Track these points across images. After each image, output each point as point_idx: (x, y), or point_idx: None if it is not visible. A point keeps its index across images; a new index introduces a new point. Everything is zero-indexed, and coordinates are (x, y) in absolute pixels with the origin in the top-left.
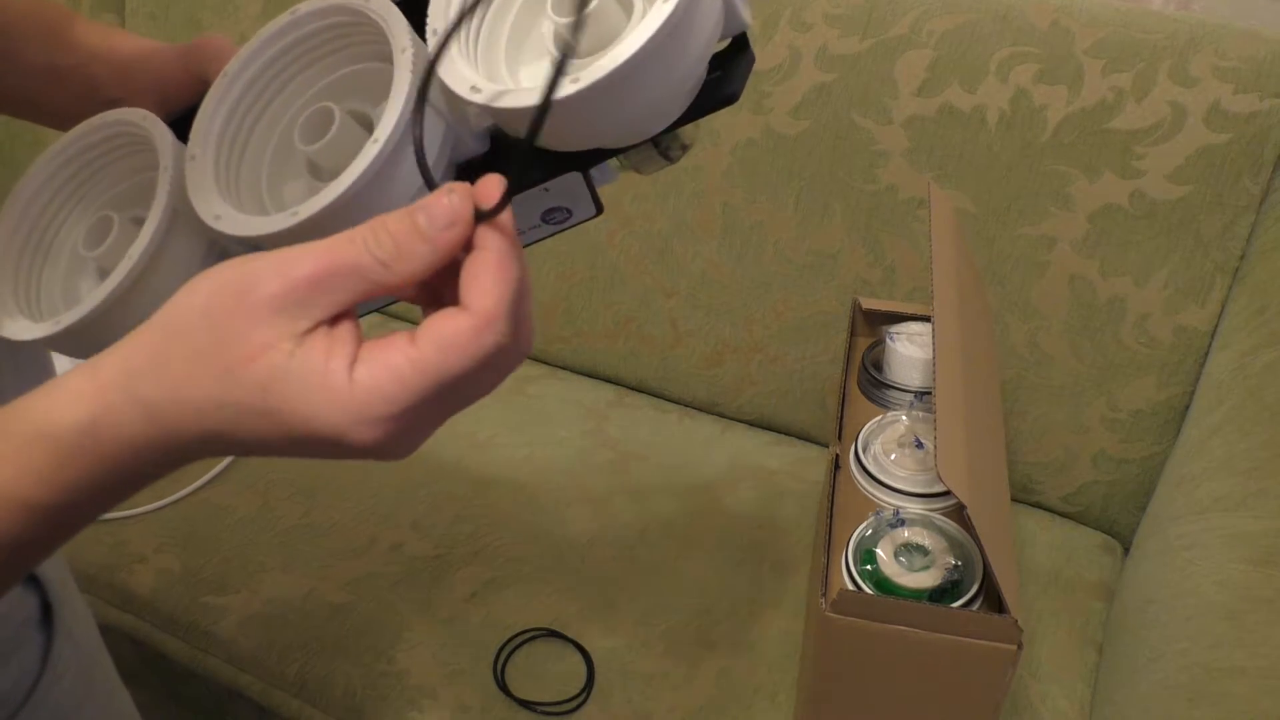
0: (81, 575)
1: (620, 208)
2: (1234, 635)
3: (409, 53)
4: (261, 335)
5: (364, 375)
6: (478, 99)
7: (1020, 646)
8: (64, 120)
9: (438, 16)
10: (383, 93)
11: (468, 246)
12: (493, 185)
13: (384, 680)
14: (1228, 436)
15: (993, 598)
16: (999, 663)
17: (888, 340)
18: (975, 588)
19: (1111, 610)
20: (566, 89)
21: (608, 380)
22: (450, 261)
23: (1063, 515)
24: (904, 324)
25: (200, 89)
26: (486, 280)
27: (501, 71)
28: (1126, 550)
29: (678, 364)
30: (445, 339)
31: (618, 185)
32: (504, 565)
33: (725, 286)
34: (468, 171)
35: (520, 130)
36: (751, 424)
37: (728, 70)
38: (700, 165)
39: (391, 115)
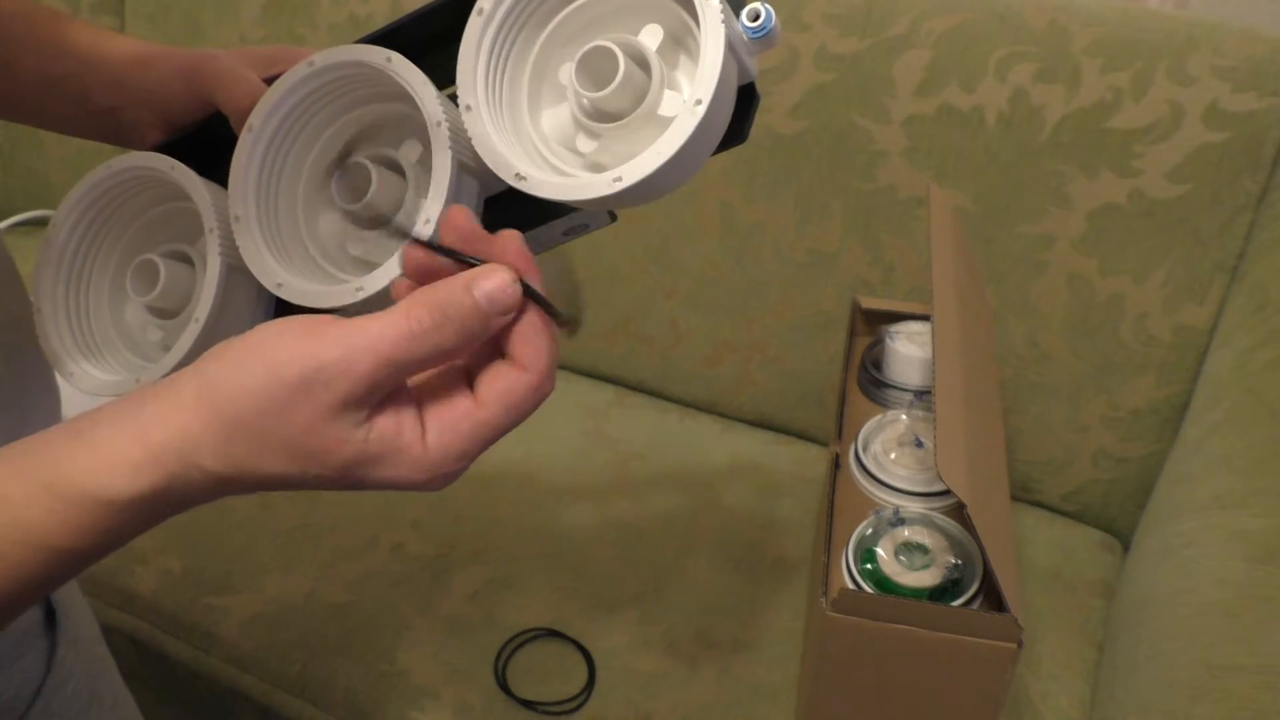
0: (83, 577)
1: None
2: (1234, 633)
3: (444, 126)
4: (335, 432)
5: (437, 444)
6: (523, 186)
7: (1020, 645)
8: (61, 125)
9: (467, 90)
10: (402, 133)
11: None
12: (521, 247)
13: (385, 680)
14: (1227, 434)
15: (993, 596)
16: (999, 661)
17: (887, 339)
18: (975, 586)
19: (1111, 608)
20: (609, 188)
21: (608, 380)
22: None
23: (1062, 513)
24: (903, 323)
25: (203, 110)
26: (539, 341)
27: (524, 118)
28: (1126, 548)
29: (678, 364)
30: (511, 399)
31: None
32: (504, 565)
33: (725, 286)
34: (495, 200)
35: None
36: (751, 424)
37: (738, 114)
38: None
39: (436, 202)
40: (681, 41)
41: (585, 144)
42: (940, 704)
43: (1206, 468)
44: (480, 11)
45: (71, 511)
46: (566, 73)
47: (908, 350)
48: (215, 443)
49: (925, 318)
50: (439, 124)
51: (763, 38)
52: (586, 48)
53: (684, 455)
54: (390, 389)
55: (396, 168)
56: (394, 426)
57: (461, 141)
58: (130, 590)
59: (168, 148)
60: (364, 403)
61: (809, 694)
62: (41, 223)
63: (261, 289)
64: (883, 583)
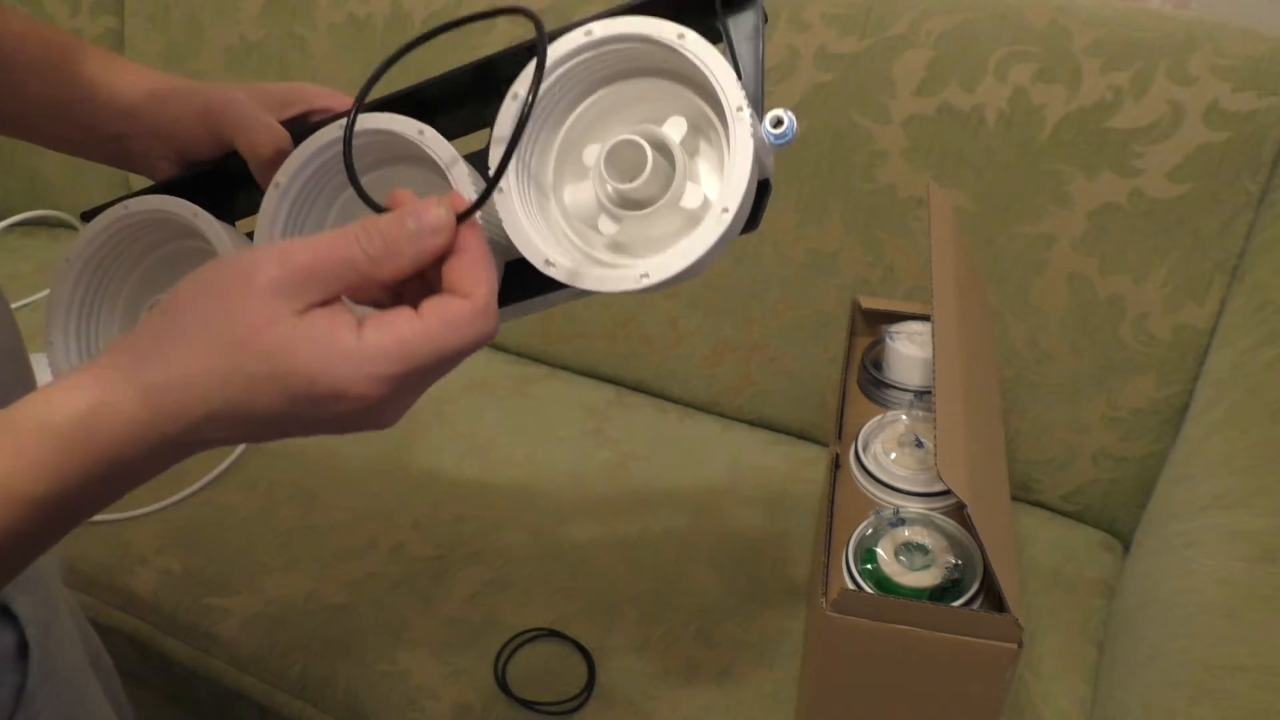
0: (83, 577)
1: None
2: (1234, 633)
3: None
4: (265, 312)
5: (372, 336)
6: (550, 272)
7: (1021, 645)
8: (67, 148)
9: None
10: (423, 192)
11: (451, 248)
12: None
13: (385, 680)
14: (1227, 434)
15: (993, 596)
16: (999, 661)
17: (887, 339)
18: (975, 586)
19: (1112, 608)
20: (635, 283)
21: (608, 380)
22: (425, 266)
23: (1063, 513)
24: (903, 323)
25: (220, 149)
26: (479, 274)
27: (549, 196)
28: (1127, 548)
29: (678, 364)
30: (450, 317)
31: None
32: (504, 565)
33: (725, 286)
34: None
35: None
36: (751, 424)
37: (754, 205)
38: None
39: None
40: (701, 130)
41: (607, 225)
42: (940, 704)
43: (1207, 467)
44: (515, 97)
45: (19, 440)
46: (591, 154)
47: (908, 350)
48: (157, 348)
49: (925, 318)
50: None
51: (784, 143)
52: (615, 141)
53: (684, 455)
54: (323, 294)
55: None
56: (326, 318)
57: (491, 219)
58: (130, 590)
59: (179, 182)
60: (295, 293)
61: (809, 694)
62: (41, 222)
63: None
64: (883, 583)
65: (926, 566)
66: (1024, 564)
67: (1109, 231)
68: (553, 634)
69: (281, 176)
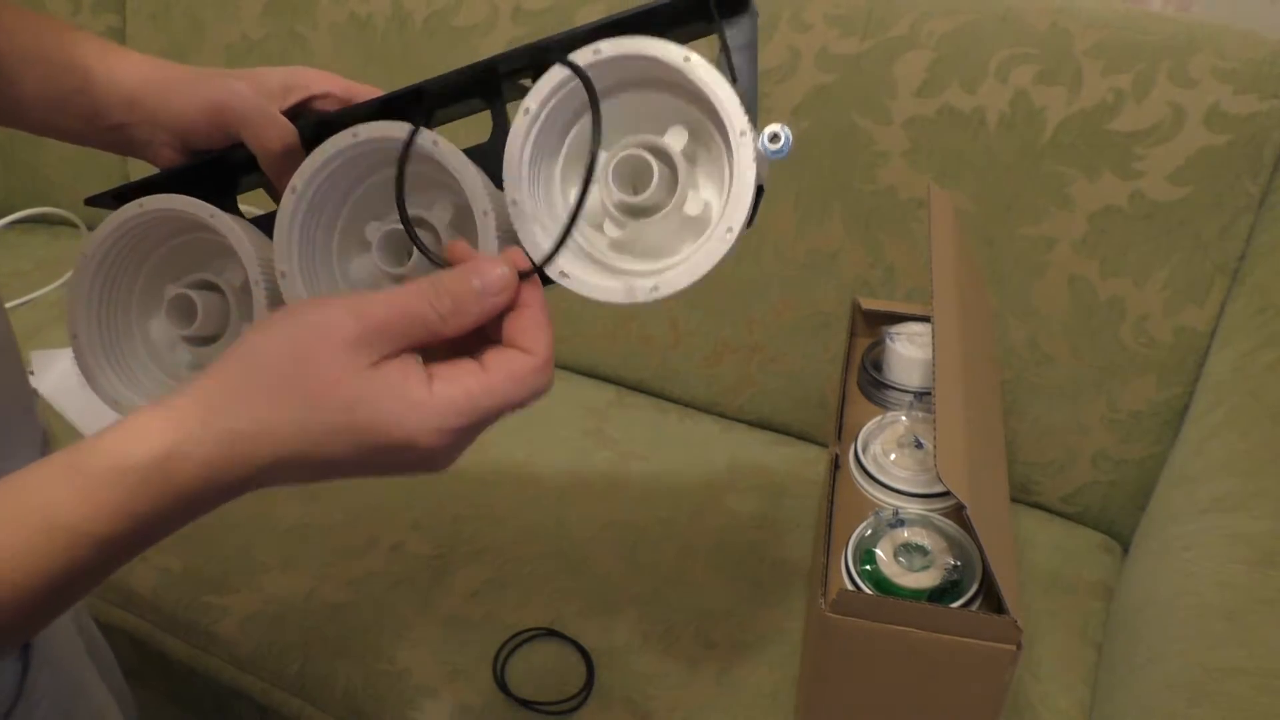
0: None
1: None
2: (1233, 635)
3: (490, 215)
4: (343, 365)
5: (442, 390)
6: (566, 284)
7: (1020, 647)
8: (67, 137)
9: (514, 186)
10: (433, 198)
11: (512, 304)
12: (524, 256)
13: (384, 680)
14: (1227, 437)
15: (992, 598)
16: (999, 663)
17: (887, 340)
18: (975, 588)
19: (1111, 610)
20: (646, 296)
21: (608, 380)
22: (487, 321)
23: (1062, 515)
24: (904, 324)
25: (224, 141)
26: (540, 331)
27: (557, 200)
28: (1126, 550)
29: (678, 364)
30: (515, 372)
31: None
32: (504, 565)
33: (725, 286)
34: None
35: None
36: (751, 424)
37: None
38: None
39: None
40: (700, 138)
41: (612, 230)
42: (939, 705)
43: (1206, 470)
44: (527, 111)
45: (91, 484)
46: (600, 162)
47: (908, 351)
48: (234, 398)
49: (925, 319)
50: (485, 213)
51: (780, 157)
52: (622, 154)
53: (684, 455)
54: (395, 348)
55: (430, 228)
56: (399, 371)
57: (506, 229)
58: (129, 588)
59: (183, 171)
60: (370, 349)
61: (808, 695)
62: (42, 220)
63: None
64: (882, 584)
65: (926, 568)
66: (1023, 566)
67: (1110, 233)
68: (552, 633)
69: (298, 180)
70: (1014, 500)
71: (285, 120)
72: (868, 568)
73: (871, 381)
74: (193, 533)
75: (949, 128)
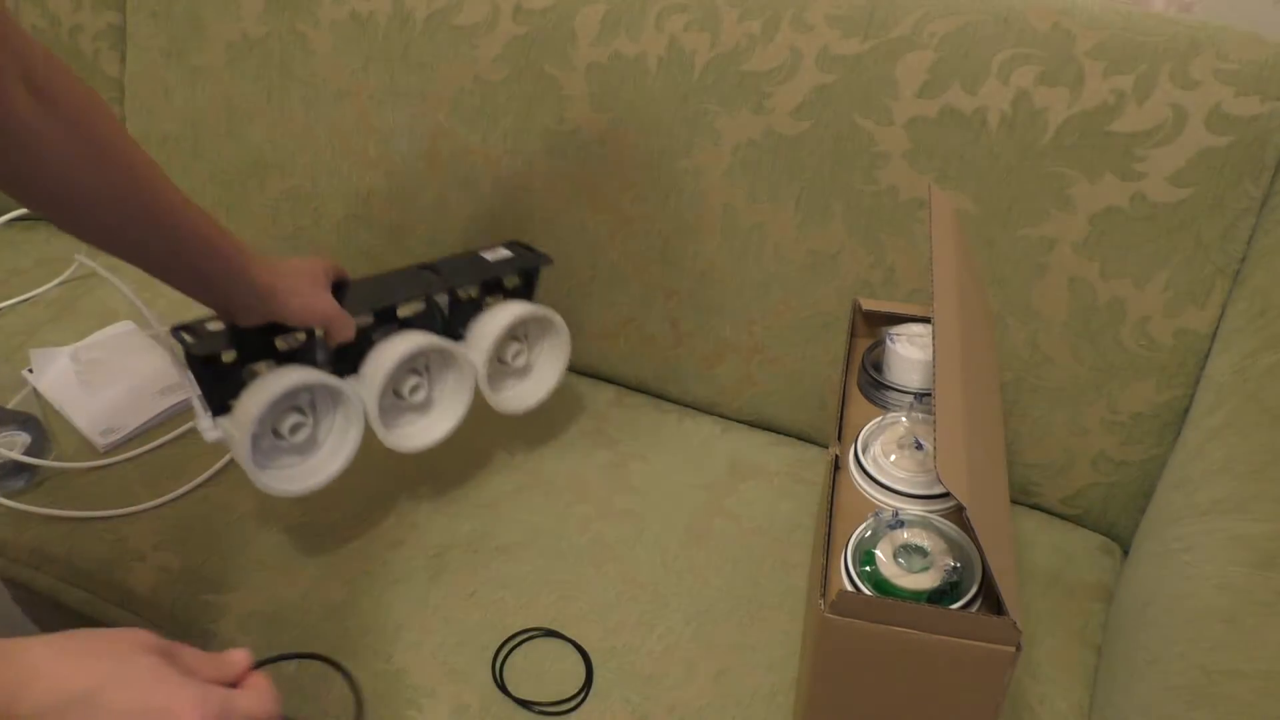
0: (80, 572)
1: (620, 208)
2: (1233, 638)
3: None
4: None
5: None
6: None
7: (1019, 648)
8: (169, 281)
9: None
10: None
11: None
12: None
13: (383, 679)
14: (1227, 439)
15: (992, 599)
16: (998, 664)
17: (888, 341)
18: (974, 589)
19: (1110, 612)
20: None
21: (608, 380)
22: None
23: (1062, 517)
24: (904, 325)
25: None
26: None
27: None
28: (1126, 552)
29: (678, 364)
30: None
31: (617, 186)
32: (503, 565)
33: (725, 287)
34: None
35: None
36: (751, 424)
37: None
38: (701, 166)
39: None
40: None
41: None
42: (938, 707)
43: (1207, 472)
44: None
45: None
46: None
47: (908, 352)
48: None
49: (926, 320)
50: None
51: None
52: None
53: (684, 455)
54: None
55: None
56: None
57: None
58: (128, 587)
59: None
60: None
61: (807, 696)
62: (42, 218)
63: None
64: (881, 585)
65: (925, 569)
66: (1023, 567)
67: (1110, 235)
68: (551, 634)
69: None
70: (1014, 502)
71: (352, 322)
72: (867, 569)
73: (871, 382)
74: (192, 531)
75: (950, 128)
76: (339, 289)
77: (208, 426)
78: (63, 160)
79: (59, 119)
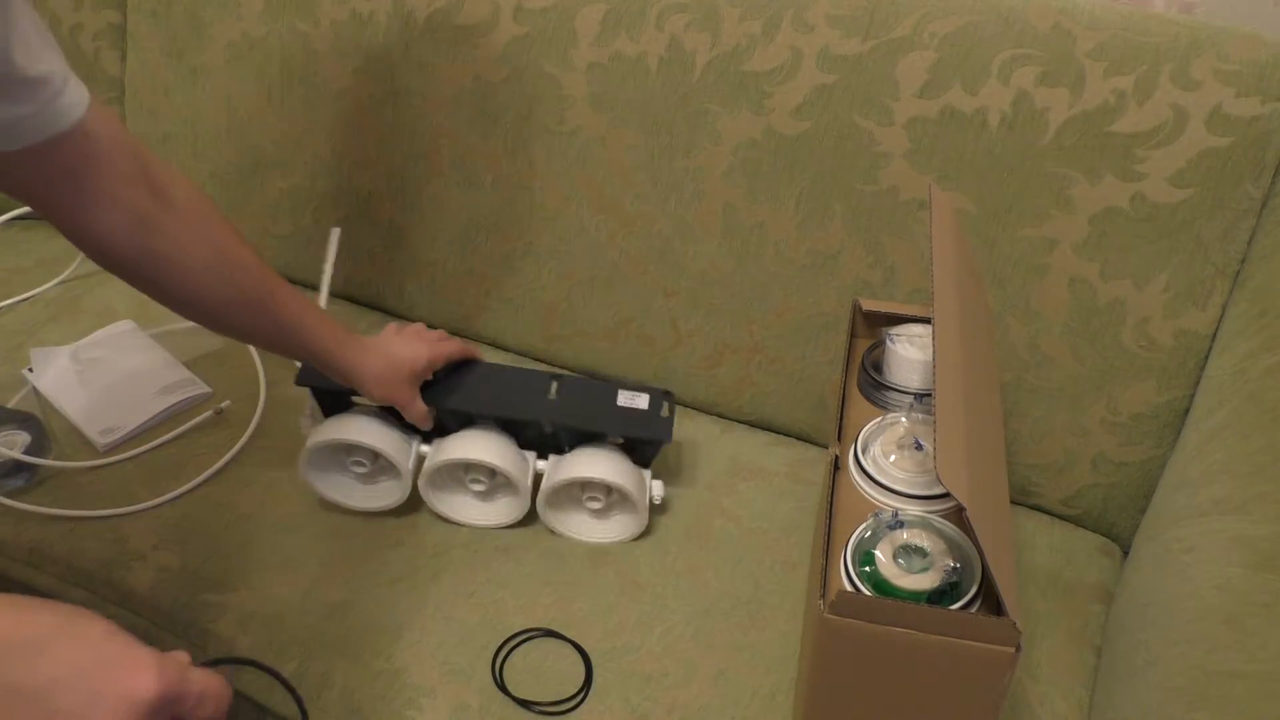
0: (80, 572)
1: (621, 208)
2: (1233, 639)
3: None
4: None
5: None
6: None
7: (1019, 649)
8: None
9: None
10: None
11: None
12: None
13: (382, 679)
14: (1227, 440)
15: (991, 600)
16: (998, 665)
17: (888, 342)
18: (974, 590)
19: (1110, 613)
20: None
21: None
22: None
23: (1062, 518)
24: (904, 325)
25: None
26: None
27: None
28: (1125, 553)
29: (678, 364)
30: None
31: (618, 186)
32: (503, 565)
33: (725, 287)
34: None
35: None
36: (751, 425)
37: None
38: (701, 166)
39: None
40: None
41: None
42: (938, 707)
43: (1206, 473)
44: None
45: None
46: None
47: (908, 353)
48: None
49: (926, 320)
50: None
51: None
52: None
53: (684, 455)
54: None
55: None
56: None
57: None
58: (127, 586)
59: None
60: None
61: (807, 697)
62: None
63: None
64: (881, 585)
65: (925, 569)
66: (1023, 568)
67: (1111, 236)
68: (550, 634)
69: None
70: (1014, 502)
71: (430, 417)
72: (867, 569)
73: (871, 383)
74: (191, 530)
75: (950, 129)
76: (457, 367)
77: (306, 425)
78: (194, 270)
79: (181, 222)
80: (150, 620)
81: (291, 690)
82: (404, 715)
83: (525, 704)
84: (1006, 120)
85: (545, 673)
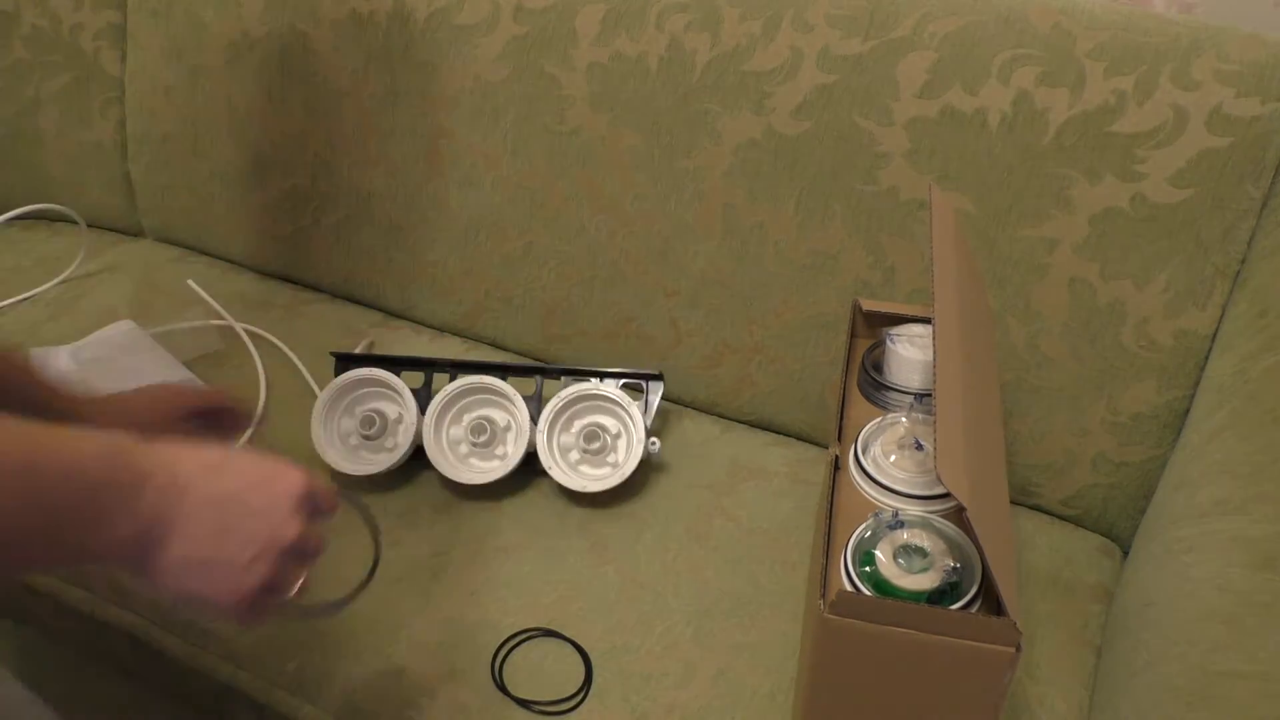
0: (80, 572)
1: (621, 208)
2: (1233, 639)
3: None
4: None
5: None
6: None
7: (1019, 649)
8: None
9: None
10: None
11: None
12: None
13: (382, 678)
14: (1227, 440)
15: (991, 600)
16: (997, 665)
17: (888, 342)
18: (974, 590)
19: (1110, 613)
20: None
21: None
22: None
23: (1062, 518)
24: (904, 325)
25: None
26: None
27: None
28: (1125, 553)
29: (678, 364)
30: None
31: (618, 186)
32: (503, 564)
33: (726, 287)
34: None
35: None
36: (751, 424)
37: None
38: (701, 166)
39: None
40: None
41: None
42: (938, 707)
43: (1207, 473)
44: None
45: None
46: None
47: (908, 353)
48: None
49: (926, 320)
50: None
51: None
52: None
53: (684, 455)
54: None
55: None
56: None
57: None
58: (128, 587)
59: None
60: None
61: (806, 697)
62: (41, 216)
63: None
64: (881, 585)
65: (925, 569)
66: (1023, 568)
67: (1111, 236)
68: (550, 634)
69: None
70: (1014, 502)
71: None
72: (867, 569)
73: (872, 383)
74: None
75: (951, 129)
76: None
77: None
78: None
79: None
80: (149, 619)
81: (370, 520)
82: (404, 715)
83: (525, 704)
84: (1006, 120)
85: (545, 672)
